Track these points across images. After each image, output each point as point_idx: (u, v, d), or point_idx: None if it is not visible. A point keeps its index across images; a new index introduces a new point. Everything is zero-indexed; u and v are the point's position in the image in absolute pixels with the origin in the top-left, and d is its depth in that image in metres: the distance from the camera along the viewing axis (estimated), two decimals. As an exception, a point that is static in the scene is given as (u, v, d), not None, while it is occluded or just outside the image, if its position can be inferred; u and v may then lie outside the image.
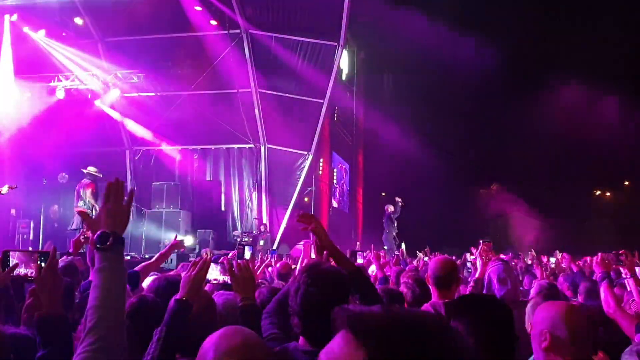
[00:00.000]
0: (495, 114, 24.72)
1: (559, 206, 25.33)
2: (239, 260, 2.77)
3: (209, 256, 10.73)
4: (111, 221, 1.77)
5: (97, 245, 1.73)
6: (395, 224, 16.55)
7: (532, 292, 4.15)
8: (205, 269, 2.42)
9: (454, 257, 12.15)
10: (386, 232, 16.57)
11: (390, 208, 16.63)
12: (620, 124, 23.59)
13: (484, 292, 3.89)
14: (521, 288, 5.72)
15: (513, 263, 7.66)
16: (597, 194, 31.94)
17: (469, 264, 11.63)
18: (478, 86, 23.07)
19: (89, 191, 11.52)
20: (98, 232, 1.75)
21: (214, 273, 2.68)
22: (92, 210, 11.25)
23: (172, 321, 2.23)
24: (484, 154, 26.25)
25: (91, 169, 11.81)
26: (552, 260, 7.08)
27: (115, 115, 17.19)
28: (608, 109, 23.05)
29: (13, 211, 14.09)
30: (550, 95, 23.27)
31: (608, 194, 32.02)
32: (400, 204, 16.65)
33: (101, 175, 11.89)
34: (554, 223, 24.20)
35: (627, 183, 30.75)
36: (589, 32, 21.27)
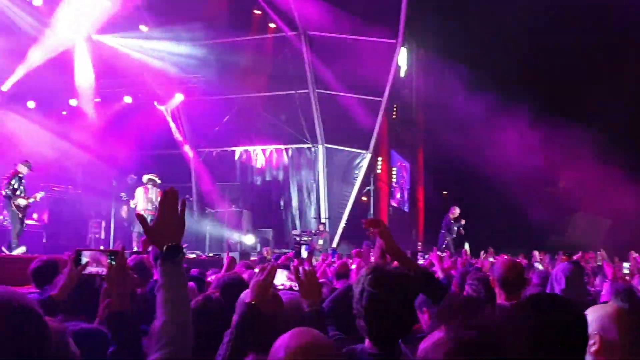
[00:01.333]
0: (564, 110, 23.81)
1: (631, 205, 24.12)
2: (305, 266, 2.80)
3: (269, 255, 10.91)
4: (169, 232, 1.83)
5: (158, 260, 1.81)
6: (453, 235, 15.87)
7: (604, 293, 3.97)
8: (272, 274, 2.48)
9: (520, 258, 11.86)
10: (442, 232, 16.22)
11: (455, 213, 15.87)
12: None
13: (548, 291, 3.77)
14: (592, 289, 5.49)
15: (582, 263, 7.36)
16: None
17: (537, 264, 11.30)
18: (549, 78, 22.29)
19: (141, 195, 12.03)
20: (159, 248, 1.81)
21: (281, 278, 2.73)
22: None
23: (242, 324, 2.30)
24: (549, 152, 25.33)
25: (149, 177, 12.27)
26: (626, 265, 6.75)
27: (180, 118, 17.76)
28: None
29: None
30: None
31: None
32: (461, 224, 15.96)
33: (158, 181, 12.33)
34: (624, 223, 23.09)
35: None
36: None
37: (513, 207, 24.67)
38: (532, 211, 25.09)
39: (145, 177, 12.32)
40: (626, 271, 6.63)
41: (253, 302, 2.38)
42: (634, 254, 9.75)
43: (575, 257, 11.24)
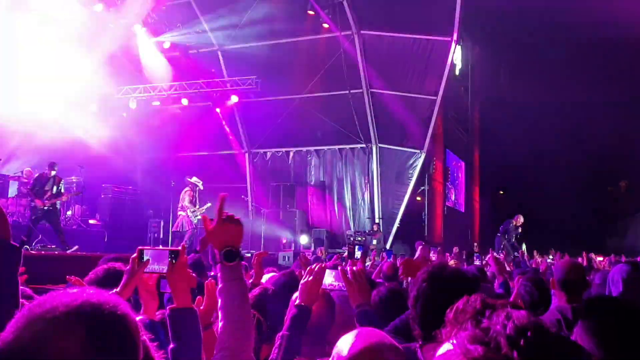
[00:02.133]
0: (624, 105, 22.81)
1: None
2: (354, 267, 2.81)
3: (323, 255, 10.94)
4: (228, 236, 1.90)
5: (222, 262, 1.89)
6: (511, 240, 15.43)
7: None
8: (321, 275, 2.50)
9: (579, 259, 11.45)
10: (498, 235, 15.82)
11: (519, 221, 15.40)
12: None
13: (606, 293, 3.63)
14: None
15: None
16: None
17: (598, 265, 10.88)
18: (607, 73, 21.40)
19: (186, 196, 12.25)
20: (223, 250, 1.88)
21: (329, 279, 2.75)
22: (186, 213, 12.02)
23: (294, 326, 2.36)
24: (611, 150, 24.28)
25: (194, 179, 12.52)
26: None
27: (235, 120, 18.10)
28: None
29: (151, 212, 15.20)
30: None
31: None
32: (519, 232, 15.50)
33: (200, 187, 12.54)
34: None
35: None
36: None
37: (572, 208, 23.85)
38: (593, 212, 24.18)
39: (193, 179, 12.56)
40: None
41: (303, 304, 2.41)
42: None
43: (639, 259, 10.77)
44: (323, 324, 2.60)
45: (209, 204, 11.97)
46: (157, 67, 16.17)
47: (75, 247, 10.36)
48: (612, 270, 3.59)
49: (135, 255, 2.39)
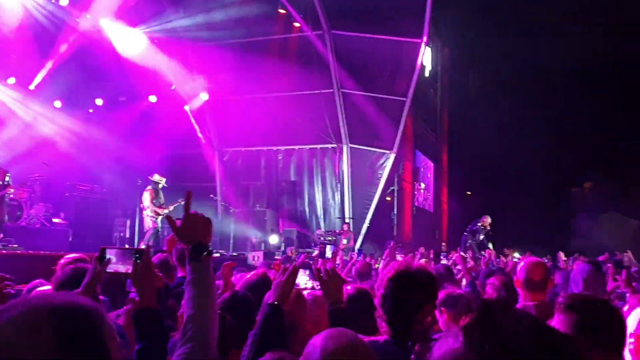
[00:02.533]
0: (587, 109, 23.37)
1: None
2: (327, 266, 2.82)
3: (293, 255, 10.93)
4: (197, 231, 1.90)
5: (191, 257, 1.88)
6: (477, 240, 15.70)
7: (628, 296, 3.90)
8: (294, 274, 2.50)
9: (545, 259, 11.68)
10: (465, 234, 16.06)
11: (486, 222, 15.67)
12: None
13: (569, 292, 3.71)
14: (619, 290, 5.38)
15: (609, 265, 7.22)
16: None
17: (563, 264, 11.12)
18: (571, 80, 21.92)
19: (147, 195, 12.05)
20: (191, 245, 1.88)
21: (303, 278, 2.75)
22: (148, 212, 11.81)
23: (265, 325, 2.35)
24: (577, 152, 24.89)
25: (155, 177, 12.31)
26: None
27: (204, 118, 17.91)
28: None
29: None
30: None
31: None
32: (488, 231, 15.76)
33: (164, 184, 12.33)
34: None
35: None
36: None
37: (538, 208, 24.36)
38: (558, 212, 24.74)
39: (155, 177, 12.32)
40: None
41: (275, 303, 2.40)
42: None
43: (601, 258, 11.05)
44: (295, 323, 2.60)
45: (179, 201, 11.79)
46: (124, 62, 15.86)
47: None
48: (574, 270, 3.68)
49: (97, 254, 2.35)
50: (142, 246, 11.28)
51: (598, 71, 22.03)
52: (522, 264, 3.47)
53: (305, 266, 3.77)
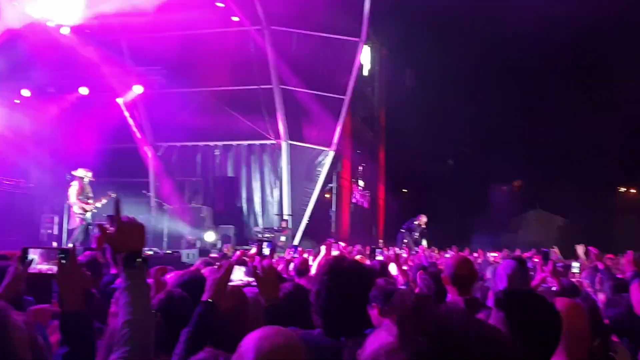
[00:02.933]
0: (516, 111, 24.39)
1: (583, 203, 24.90)
2: (263, 262, 2.81)
3: (230, 252, 10.79)
4: (131, 238, 1.85)
5: (125, 266, 1.83)
6: (413, 236, 16.08)
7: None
8: (229, 271, 2.47)
9: (476, 254, 12.07)
10: (401, 232, 16.40)
11: (421, 221, 16.03)
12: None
13: (494, 288, 3.83)
14: (545, 285, 5.63)
15: (536, 260, 7.54)
16: (621, 190, 31.36)
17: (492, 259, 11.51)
18: (502, 81, 22.78)
19: (73, 191, 11.55)
20: (124, 254, 1.83)
21: (239, 274, 2.72)
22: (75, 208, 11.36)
23: (198, 322, 2.30)
24: (508, 151, 25.92)
25: (79, 172, 11.79)
26: (575, 265, 6.94)
27: (138, 111, 17.39)
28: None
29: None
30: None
31: (633, 190, 31.40)
32: (423, 229, 16.14)
33: (90, 178, 11.84)
34: (577, 220, 23.80)
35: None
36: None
37: (470, 206, 25.17)
38: (489, 209, 25.66)
39: (78, 172, 11.78)
40: (575, 270, 6.77)
41: (209, 300, 2.35)
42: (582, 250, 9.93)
43: (527, 255, 11.52)
44: (234, 320, 2.56)
45: (110, 195, 11.35)
46: (53, 53, 15.16)
47: None
48: (499, 266, 3.78)
49: (19, 253, 2.22)
50: (69, 245, 10.85)
51: (530, 71, 23.02)
52: (447, 260, 3.54)
53: (241, 263, 3.72)
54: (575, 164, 25.68)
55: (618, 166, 25.59)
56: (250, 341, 1.52)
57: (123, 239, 1.84)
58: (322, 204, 18.14)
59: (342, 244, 12.58)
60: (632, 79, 19.44)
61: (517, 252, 12.43)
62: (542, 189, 25.93)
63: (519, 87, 23.63)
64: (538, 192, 26.13)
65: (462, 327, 0.86)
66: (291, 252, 7.07)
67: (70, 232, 12.22)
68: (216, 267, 2.54)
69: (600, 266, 5.43)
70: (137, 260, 1.83)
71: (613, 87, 21.60)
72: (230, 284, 2.57)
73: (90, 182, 11.97)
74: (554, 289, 3.98)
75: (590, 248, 8.60)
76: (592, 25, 18.69)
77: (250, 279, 2.79)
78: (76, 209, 11.47)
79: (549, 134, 24.45)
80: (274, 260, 6.78)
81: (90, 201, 11.56)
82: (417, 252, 12.40)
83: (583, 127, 22.61)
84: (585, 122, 22.38)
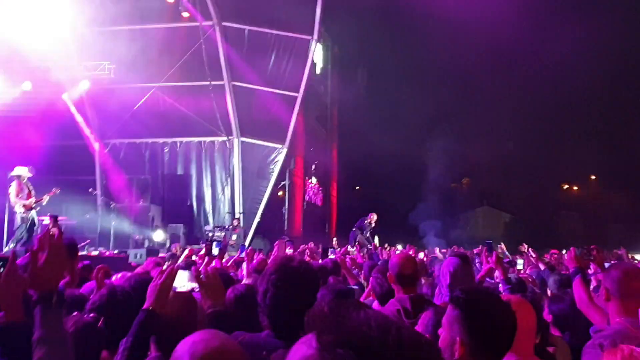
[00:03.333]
0: (466, 110, 24.94)
1: (528, 200, 25.73)
2: (208, 267, 2.75)
3: (178, 252, 10.60)
4: (55, 276, 1.78)
5: (40, 303, 1.73)
6: (365, 235, 16.24)
7: (500, 287, 4.15)
8: (172, 277, 2.37)
9: (424, 252, 12.27)
10: (353, 230, 16.52)
11: (372, 219, 16.18)
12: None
13: (438, 285, 3.88)
14: (491, 280, 5.78)
15: (484, 248, 7.74)
16: (564, 188, 32.55)
17: (440, 256, 11.74)
18: (452, 80, 23.25)
19: (12, 191, 11.09)
20: (39, 294, 1.74)
21: (182, 280, 2.63)
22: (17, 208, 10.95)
23: (139, 331, 2.21)
24: (456, 149, 26.49)
25: (16, 171, 11.31)
26: (520, 262, 7.18)
27: (84, 107, 16.84)
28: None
29: None
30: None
31: (575, 187, 32.66)
32: (373, 227, 16.29)
33: (30, 175, 11.38)
34: (521, 217, 24.54)
35: (593, 177, 31.39)
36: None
37: (420, 203, 25.58)
38: (438, 206, 26.13)
39: (15, 171, 11.29)
40: (520, 267, 6.99)
41: (150, 308, 2.27)
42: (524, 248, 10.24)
43: (476, 251, 11.79)
44: (184, 325, 2.49)
45: (54, 191, 10.95)
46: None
47: None
48: (443, 263, 3.81)
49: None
50: (10, 244, 10.42)
51: (479, 67, 23.57)
52: (392, 259, 3.55)
53: (187, 266, 3.64)
54: (521, 162, 26.54)
55: (561, 164, 26.57)
56: (184, 345, 1.48)
57: (45, 277, 1.75)
58: (274, 202, 18.07)
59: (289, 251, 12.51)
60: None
61: (462, 249, 12.66)
62: (489, 186, 26.60)
63: (466, 83, 24.19)
64: (485, 189, 26.79)
65: (381, 335, 0.84)
66: (239, 253, 7.00)
67: (14, 233, 11.72)
68: (158, 271, 2.45)
69: (542, 266, 5.60)
70: (53, 298, 1.73)
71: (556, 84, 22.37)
72: (174, 290, 2.49)
73: (35, 181, 11.49)
74: (501, 287, 4.04)
75: (530, 250, 8.87)
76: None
77: (194, 285, 2.71)
78: (18, 208, 11.01)
79: (498, 132, 25.10)
80: (224, 260, 6.71)
81: (32, 198, 11.10)
82: (369, 249, 12.53)
83: (531, 125, 23.37)
84: (531, 120, 23.14)
